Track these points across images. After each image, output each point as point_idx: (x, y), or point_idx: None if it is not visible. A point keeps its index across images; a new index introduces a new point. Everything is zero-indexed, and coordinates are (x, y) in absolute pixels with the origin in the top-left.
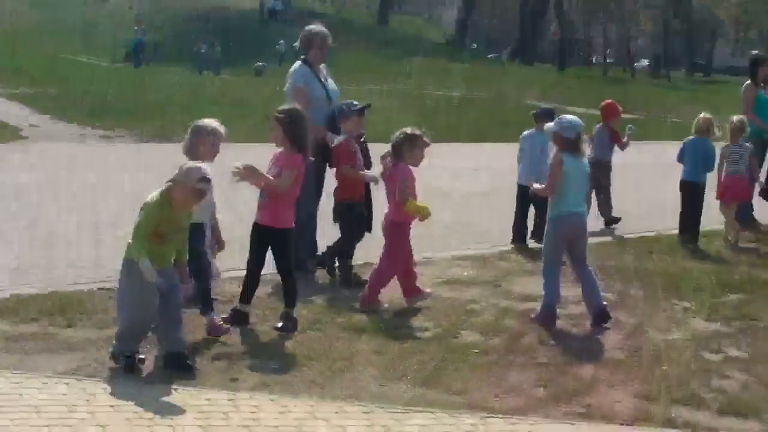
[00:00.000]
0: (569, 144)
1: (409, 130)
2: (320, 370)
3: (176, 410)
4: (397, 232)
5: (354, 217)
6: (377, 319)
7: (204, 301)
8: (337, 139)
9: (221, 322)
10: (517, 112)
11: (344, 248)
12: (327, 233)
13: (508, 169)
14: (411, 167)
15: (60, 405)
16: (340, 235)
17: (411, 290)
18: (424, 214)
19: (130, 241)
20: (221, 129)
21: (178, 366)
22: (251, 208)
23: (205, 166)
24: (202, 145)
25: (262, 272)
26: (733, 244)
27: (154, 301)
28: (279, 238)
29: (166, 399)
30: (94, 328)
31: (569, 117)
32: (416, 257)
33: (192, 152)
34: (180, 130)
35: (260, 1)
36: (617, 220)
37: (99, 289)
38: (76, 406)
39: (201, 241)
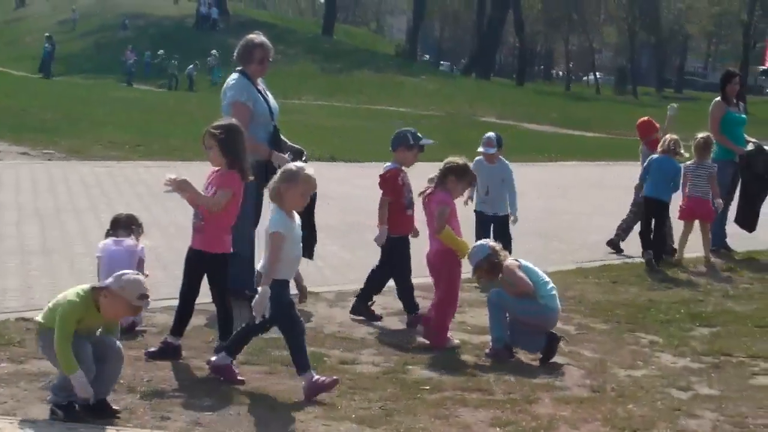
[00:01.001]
0: (497, 263)
1: (461, 161)
2: (258, 408)
3: None
4: (448, 260)
5: (398, 251)
6: (320, 354)
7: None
8: (387, 166)
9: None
10: (471, 131)
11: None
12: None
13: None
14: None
15: None
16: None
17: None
18: (461, 250)
19: (39, 319)
20: (314, 177)
21: (102, 412)
22: (184, 232)
23: (143, 279)
24: (291, 193)
25: (197, 301)
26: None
27: (88, 358)
28: (214, 263)
29: None
30: (10, 363)
31: (477, 246)
32: (361, 286)
33: (278, 198)
34: (100, 148)
35: (197, 9)
36: (620, 251)
37: (17, 319)
38: None
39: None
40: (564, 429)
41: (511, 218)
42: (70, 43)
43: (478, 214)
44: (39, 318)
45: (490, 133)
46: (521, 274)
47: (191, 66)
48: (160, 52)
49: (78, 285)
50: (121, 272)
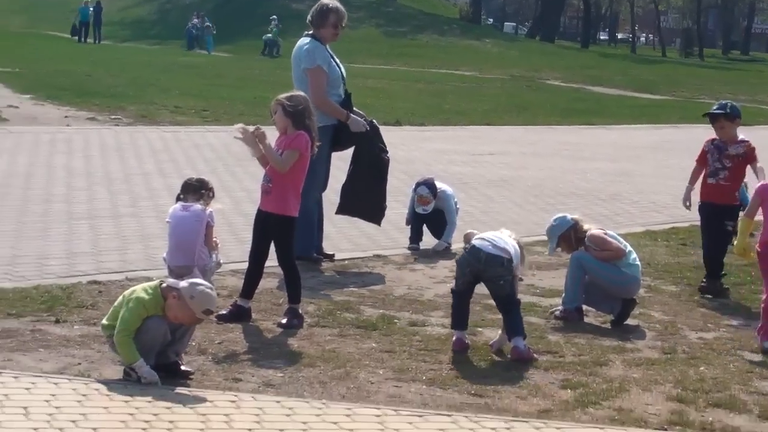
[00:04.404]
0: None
1: None
2: (328, 369)
3: (174, 412)
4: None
5: None
6: (390, 316)
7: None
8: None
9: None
10: (536, 94)
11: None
12: (335, 222)
13: (527, 155)
14: None
15: (49, 406)
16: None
17: None
18: (738, 244)
19: (104, 322)
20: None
21: (174, 374)
22: (252, 197)
23: (215, 295)
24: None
25: (267, 264)
26: None
27: (162, 329)
28: (281, 226)
29: (163, 401)
30: (83, 325)
31: (559, 219)
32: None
33: None
34: (166, 113)
35: None
36: None
37: (89, 282)
38: (67, 408)
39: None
40: (635, 391)
41: None
42: (135, 9)
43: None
44: (104, 321)
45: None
46: (612, 240)
47: (272, 26)
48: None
49: (147, 253)
50: (196, 281)
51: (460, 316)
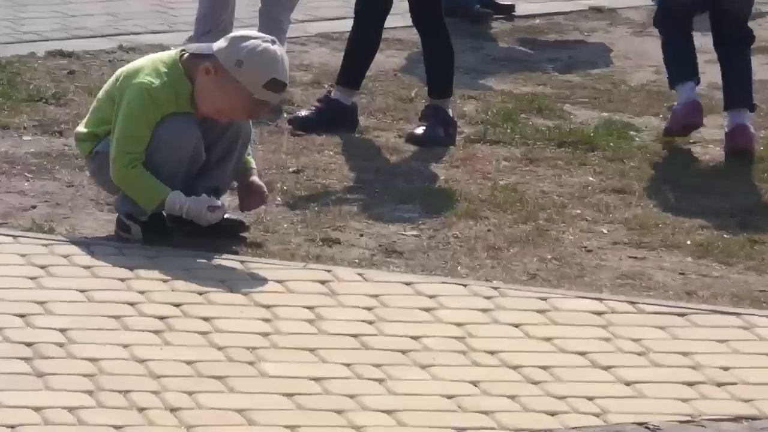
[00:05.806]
0: None
1: None
2: (504, 224)
3: (212, 301)
4: None
5: None
6: (621, 124)
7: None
8: None
9: None
10: None
11: None
12: None
13: None
14: None
15: None
16: None
17: None
18: None
19: (81, 129)
20: None
21: (214, 228)
22: None
23: (283, 56)
24: None
25: (386, 25)
26: None
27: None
28: None
29: (192, 281)
30: (40, 134)
31: None
32: None
33: None
34: None
35: None
36: None
37: (50, 53)
38: (11, 290)
39: None
40: None
41: None
42: None
43: None
44: (80, 128)
45: None
46: None
47: None
48: None
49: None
50: (242, 33)
51: (683, 59)
